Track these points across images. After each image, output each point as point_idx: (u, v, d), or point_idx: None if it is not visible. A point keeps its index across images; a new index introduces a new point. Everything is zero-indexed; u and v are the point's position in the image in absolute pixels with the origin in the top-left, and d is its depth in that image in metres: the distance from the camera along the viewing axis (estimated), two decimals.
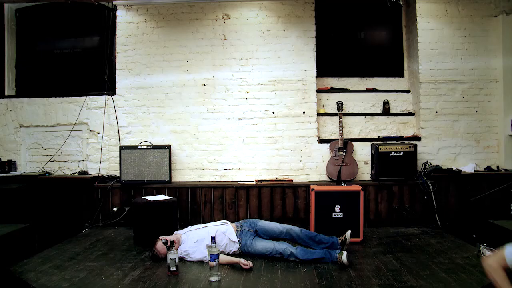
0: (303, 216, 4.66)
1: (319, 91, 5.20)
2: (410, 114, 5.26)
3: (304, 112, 5.06)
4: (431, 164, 4.86)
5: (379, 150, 4.71)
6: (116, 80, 5.16)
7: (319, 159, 5.06)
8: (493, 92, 5.06)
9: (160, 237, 3.36)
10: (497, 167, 4.93)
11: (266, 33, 5.09)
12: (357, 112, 5.27)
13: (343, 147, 4.86)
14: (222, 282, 2.89)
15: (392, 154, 4.70)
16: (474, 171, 4.87)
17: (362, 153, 5.06)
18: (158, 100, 5.13)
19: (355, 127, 5.24)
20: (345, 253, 3.20)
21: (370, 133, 5.23)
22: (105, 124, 5.17)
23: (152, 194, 4.60)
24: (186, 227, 3.74)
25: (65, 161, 5.29)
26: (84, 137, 5.26)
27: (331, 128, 5.23)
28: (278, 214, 4.68)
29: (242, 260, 3.15)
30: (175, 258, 3.01)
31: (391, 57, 5.43)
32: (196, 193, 4.74)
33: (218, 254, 2.90)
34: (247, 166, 5.09)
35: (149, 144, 4.95)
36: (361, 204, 3.94)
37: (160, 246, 3.32)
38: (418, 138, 5.03)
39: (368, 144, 5.04)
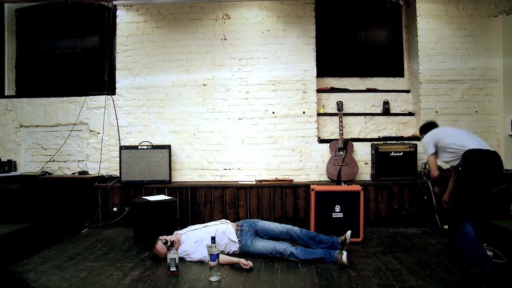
0: (303, 216, 4.66)
1: (319, 91, 5.20)
2: (410, 114, 5.26)
3: (304, 112, 5.06)
4: None
5: (379, 150, 4.71)
6: (116, 80, 5.16)
7: (319, 159, 5.06)
8: (493, 92, 5.06)
9: (160, 237, 3.36)
10: None
11: (266, 33, 5.09)
12: (357, 112, 5.27)
13: (343, 147, 4.86)
14: (222, 282, 2.89)
15: (392, 154, 4.70)
16: None
17: (362, 153, 5.06)
18: (158, 100, 5.14)
19: (355, 127, 5.24)
20: (345, 253, 3.20)
21: (370, 133, 5.23)
22: (105, 124, 5.17)
23: (152, 194, 4.60)
24: (186, 227, 3.73)
25: (65, 161, 5.30)
26: (84, 137, 5.26)
27: (331, 128, 5.23)
28: (278, 214, 4.68)
29: (242, 260, 3.15)
30: (175, 258, 3.01)
31: (391, 57, 5.43)
32: (196, 193, 4.74)
33: (218, 254, 2.90)
34: (247, 166, 5.09)
35: (149, 144, 4.95)
36: (361, 204, 3.94)
37: (160, 246, 3.32)
38: (418, 138, 5.02)
39: (368, 144, 5.04)
